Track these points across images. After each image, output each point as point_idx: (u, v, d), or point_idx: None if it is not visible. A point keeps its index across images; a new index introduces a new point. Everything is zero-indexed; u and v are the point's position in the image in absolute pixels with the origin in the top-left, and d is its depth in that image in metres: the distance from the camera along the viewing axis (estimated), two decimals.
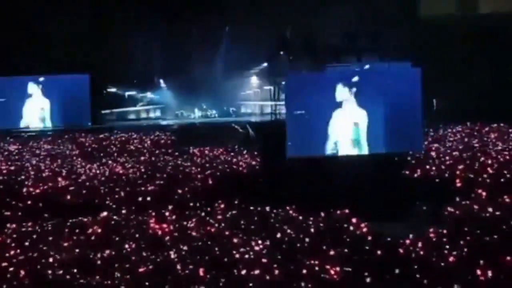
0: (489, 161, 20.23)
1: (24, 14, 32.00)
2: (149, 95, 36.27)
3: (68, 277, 11.86)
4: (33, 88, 30.35)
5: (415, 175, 19.89)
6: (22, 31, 31.94)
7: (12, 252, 13.49)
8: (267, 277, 11.57)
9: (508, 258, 11.84)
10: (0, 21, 31.43)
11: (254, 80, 33.55)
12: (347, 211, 15.89)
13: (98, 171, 21.04)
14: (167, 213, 16.43)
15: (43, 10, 31.86)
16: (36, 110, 30.64)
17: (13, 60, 31.03)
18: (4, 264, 12.69)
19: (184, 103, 34.72)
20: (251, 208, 16.51)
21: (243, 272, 11.75)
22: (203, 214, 16.23)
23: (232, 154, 23.58)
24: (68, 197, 18.61)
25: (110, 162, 22.97)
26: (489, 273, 11.26)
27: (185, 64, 33.86)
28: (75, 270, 12.13)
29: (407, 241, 13.33)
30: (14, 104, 30.49)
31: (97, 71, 31.32)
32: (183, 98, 34.26)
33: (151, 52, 34.43)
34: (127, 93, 35.00)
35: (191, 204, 17.81)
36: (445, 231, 13.82)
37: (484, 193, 17.64)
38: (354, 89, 19.91)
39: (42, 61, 30.90)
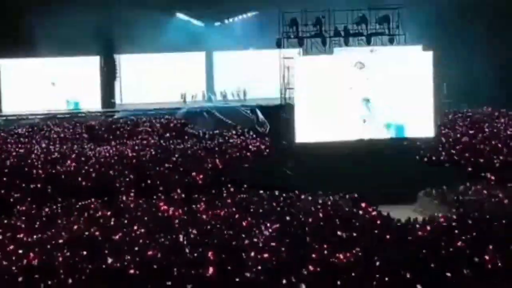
0: (500, 146, 20.17)
1: None
2: None
3: (77, 259, 11.86)
4: None
5: (425, 159, 19.84)
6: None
7: (21, 234, 13.55)
8: (276, 261, 11.55)
9: None
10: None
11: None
12: (356, 195, 15.90)
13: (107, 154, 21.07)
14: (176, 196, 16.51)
15: None
16: None
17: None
18: (14, 245, 12.72)
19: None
20: (260, 192, 16.54)
21: (252, 255, 11.74)
22: (211, 197, 16.28)
23: (241, 138, 23.55)
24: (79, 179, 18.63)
25: (120, 145, 23.00)
26: (498, 257, 11.22)
27: None
28: (84, 252, 12.13)
29: (416, 225, 13.32)
30: None
31: None
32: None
33: None
34: None
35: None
36: (454, 216, 13.81)
37: (494, 178, 17.66)
38: (364, 73, 19.84)
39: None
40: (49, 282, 10.98)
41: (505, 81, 28.87)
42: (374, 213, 14.52)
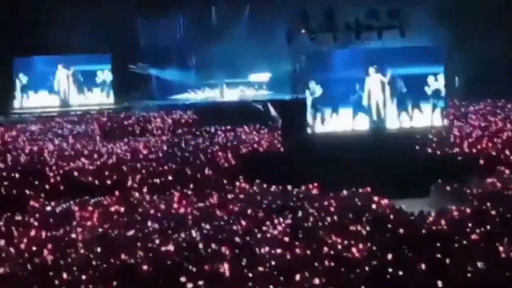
0: None
1: None
2: None
3: (91, 256, 11.90)
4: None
5: (438, 152, 19.80)
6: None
7: (35, 232, 13.59)
8: (289, 256, 11.56)
9: None
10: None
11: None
12: (369, 189, 15.88)
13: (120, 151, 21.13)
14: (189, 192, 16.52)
15: None
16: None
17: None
18: (28, 243, 12.77)
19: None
20: (273, 186, 16.54)
21: (265, 250, 11.75)
22: (224, 193, 16.29)
23: (253, 132, 23.57)
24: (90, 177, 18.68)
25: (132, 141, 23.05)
26: None
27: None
28: (98, 249, 12.17)
29: (430, 219, 13.29)
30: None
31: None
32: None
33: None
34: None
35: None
36: (468, 209, 13.78)
37: (507, 170, 17.60)
38: (375, 67, 19.81)
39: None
40: (63, 279, 11.03)
41: None
42: (387, 207, 14.51)
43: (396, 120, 19.89)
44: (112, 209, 15.17)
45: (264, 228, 13.11)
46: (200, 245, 12.17)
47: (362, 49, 21.65)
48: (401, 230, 12.59)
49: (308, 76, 20.03)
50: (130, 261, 11.60)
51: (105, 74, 31.72)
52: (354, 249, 11.66)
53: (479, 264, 10.81)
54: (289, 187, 16.33)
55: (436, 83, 19.81)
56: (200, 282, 10.63)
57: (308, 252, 11.74)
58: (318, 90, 19.71)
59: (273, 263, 11.23)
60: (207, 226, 13.38)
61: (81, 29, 30.83)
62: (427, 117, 19.90)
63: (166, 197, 16.16)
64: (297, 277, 10.66)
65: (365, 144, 19.36)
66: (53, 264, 11.66)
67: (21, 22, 31.42)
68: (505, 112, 25.04)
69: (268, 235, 12.73)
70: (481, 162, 18.69)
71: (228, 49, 33.18)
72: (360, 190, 15.83)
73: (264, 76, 33.08)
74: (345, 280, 10.65)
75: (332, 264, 11.15)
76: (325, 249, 11.78)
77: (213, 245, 12.06)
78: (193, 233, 12.99)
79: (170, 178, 18.30)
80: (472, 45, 29.16)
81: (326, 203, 14.83)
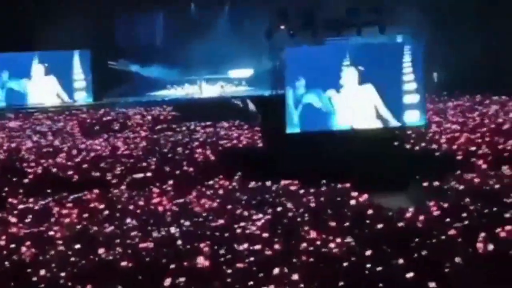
0: (490, 134, 20.21)
1: None
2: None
3: (69, 253, 11.87)
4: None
5: (417, 148, 19.88)
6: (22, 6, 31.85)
7: (13, 229, 13.54)
8: (268, 252, 11.58)
9: (508, 228, 11.85)
10: None
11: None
12: (348, 185, 15.92)
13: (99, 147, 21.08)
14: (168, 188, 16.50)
15: None
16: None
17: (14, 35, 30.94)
18: (6, 240, 12.71)
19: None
20: (252, 182, 16.54)
21: (244, 246, 11.77)
22: (204, 189, 16.29)
23: (232, 128, 23.56)
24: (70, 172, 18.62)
25: (111, 138, 22.99)
26: (490, 246, 11.27)
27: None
28: (76, 246, 12.14)
29: (408, 214, 13.35)
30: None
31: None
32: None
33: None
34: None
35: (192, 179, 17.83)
36: (445, 204, 13.85)
37: (484, 166, 17.70)
38: (354, 63, 19.83)
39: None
40: (42, 276, 11.00)
41: (497, 68, 28.93)
42: (366, 203, 14.55)
43: (374, 116, 19.93)
44: (91, 205, 15.13)
45: (243, 224, 13.12)
46: (179, 241, 12.17)
47: (339, 44, 21.66)
48: (380, 226, 12.65)
49: (293, 72, 19.94)
50: (108, 257, 11.59)
51: (84, 70, 31.54)
52: (332, 245, 11.70)
53: (457, 260, 10.88)
54: (268, 183, 16.34)
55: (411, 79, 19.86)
56: (179, 279, 10.63)
57: (287, 247, 11.76)
58: (301, 87, 19.74)
59: (252, 258, 11.25)
60: (186, 222, 13.37)
61: (60, 25, 30.66)
62: (406, 114, 19.94)
63: (145, 193, 16.13)
64: (276, 272, 10.68)
65: (344, 140, 19.40)
66: (31, 261, 11.62)
67: None
68: (483, 108, 25.14)
69: (247, 231, 12.74)
70: (459, 158, 18.74)
71: (208, 45, 33.16)
72: (339, 186, 15.87)
73: (245, 72, 33.06)
74: (324, 275, 10.69)
75: (311, 259, 11.19)
76: (304, 244, 11.81)
77: (192, 241, 12.06)
78: (172, 229, 12.98)
79: (149, 174, 18.24)
80: (453, 41, 29.27)
81: (305, 199, 14.86)
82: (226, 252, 11.61)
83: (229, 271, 10.89)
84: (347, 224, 12.91)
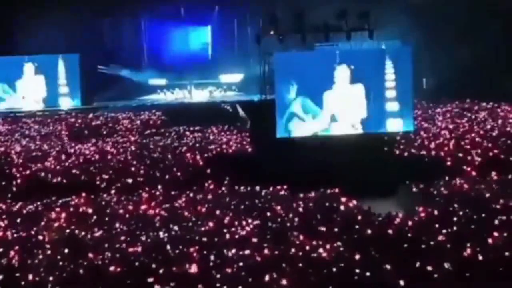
0: (479, 140, 20.25)
1: None
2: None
3: (58, 257, 11.83)
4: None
5: (406, 154, 19.89)
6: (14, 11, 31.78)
7: (1, 233, 13.49)
8: (257, 257, 11.57)
9: (496, 234, 11.89)
10: None
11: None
12: (337, 190, 15.92)
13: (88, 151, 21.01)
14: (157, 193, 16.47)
15: None
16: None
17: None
18: None
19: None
20: (241, 188, 16.53)
21: (233, 251, 11.75)
22: (192, 194, 16.26)
23: (221, 133, 23.53)
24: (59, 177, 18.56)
25: (100, 142, 22.92)
26: (478, 251, 11.30)
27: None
28: (65, 250, 12.10)
29: (397, 220, 13.36)
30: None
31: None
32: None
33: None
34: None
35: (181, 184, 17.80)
36: (435, 210, 13.86)
37: (473, 172, 17.74)
38: (344, 68, 19.86)
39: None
40: (30, 280, 10.96)
41: (485, 74, 28.98)
42: (355, 208, 14.56)
43: (366, 123, 19.97)
44: (80, 210, 15.09)
45: (232, 229, 13.10)
46: (168, 246, 12.14)
47: (330, 50, 21.70)
48: (369, 231, 12.66)
49: (282, 77, 19.95)
50: (97, 261, 11.56)
51: (73, 75, 31.42)
52: (322, 250, 11.69)
53: (446, 265, 10.90)
54: (258, 188, 16.33)
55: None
56: (168, 283, 10.61)
57: (276, 252, 11.75)
58: (291, 92, 19.77)
59: (241, 264, 11.24)
60: (175, 227, 13.34)
61: (49, 29, 30.62)
62: (394, 120, 19.99)
63: (134, 198, 16.09)
64: (266, 277, 10.67)
65: (334, 145, 19.42)
66: (20, 265, 11.58)
67: None
68: (472, 114, 25.18)
69: (236, 236, 12.73)
70: (448, 163, 18.77)
71: (197, 51, 33.14)
72: (329, 191, 15.87)
73: (235, 77, 33.05)
74: (313, 280, 10.69)
75: (300, 264, 11.18)
76: (293, 250, 11.80)
77: (181, 246, 12.04)
78: (161, 234, 12.95)
79: (138, 179, 18.20)
80: (442, 47, 29.31)
81: (294, 204, 14.85)
82: (215, 257, 11.59)
83: (218, 276, 10.87)
84: (336, 229, 12.91)
